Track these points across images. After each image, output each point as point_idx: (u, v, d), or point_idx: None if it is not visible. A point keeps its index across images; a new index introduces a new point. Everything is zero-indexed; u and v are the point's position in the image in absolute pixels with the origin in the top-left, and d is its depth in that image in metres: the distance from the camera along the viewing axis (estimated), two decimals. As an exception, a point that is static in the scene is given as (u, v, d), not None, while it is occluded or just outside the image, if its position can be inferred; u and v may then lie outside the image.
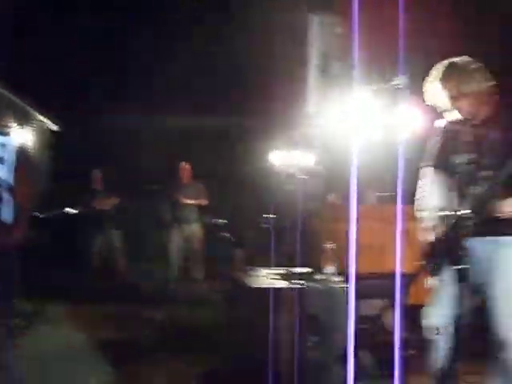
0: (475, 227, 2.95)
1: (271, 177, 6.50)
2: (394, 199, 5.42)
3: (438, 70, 3.31)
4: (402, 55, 3.51)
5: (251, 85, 8.76)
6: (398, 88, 3.15)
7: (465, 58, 3.31)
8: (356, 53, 3.82)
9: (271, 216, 6.74)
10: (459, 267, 1.46)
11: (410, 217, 5.67)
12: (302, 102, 3.86)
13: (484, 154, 3.13)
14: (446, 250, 3.05)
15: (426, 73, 3.46)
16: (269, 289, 4.17)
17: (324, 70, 3.87)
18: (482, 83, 3.23)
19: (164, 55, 9.83)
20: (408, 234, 5.77)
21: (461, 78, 3.22)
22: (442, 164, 3.44)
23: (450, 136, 3.40)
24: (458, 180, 3.30)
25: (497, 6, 5.76)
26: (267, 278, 4.57)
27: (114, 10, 9.51)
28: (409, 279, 5.65)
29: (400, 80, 3.12)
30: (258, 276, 4.67)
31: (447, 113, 3.34)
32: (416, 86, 3.37)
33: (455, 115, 3.31)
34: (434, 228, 3.31)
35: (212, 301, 7.07)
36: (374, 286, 4.42)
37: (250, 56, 8.60)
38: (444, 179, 3.42)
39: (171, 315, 6.87)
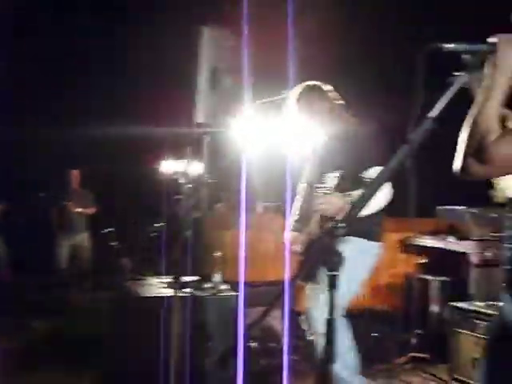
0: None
1: (161, 186, 6.53)
2: (280, 209, 5.60)
3: (295, 93, 3.66)
4: (292, 69, 3.68)
5: (141, 96, 8.75)
6: (288, 99, 3.40)
7: (317, 82, 3.70)
8: (246, 66, 3.94)
9: (160, 225, 6.75)
10: (330, 273, 1.57)
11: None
12: (193, 114, 3.92)
13: (345, 167, 3.48)
14: (319, 257, 3.27)
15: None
16: (157, 297, 4.20)
17: (215, 82, 3.96)
18: (332, 103, 3.65)
19: (50, 67, 9.59)
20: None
21: (314, 99, 3.63)
22: (313, 179, 3.70)
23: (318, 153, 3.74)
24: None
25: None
26: (156, 286, 4.58)
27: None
28: (294, 286, 5.85)
29: (292, 91, 3.33)
30: (146, 285, 4.68)
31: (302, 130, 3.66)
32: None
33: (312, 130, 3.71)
34: (302, 237, 3.60)
35: (98, 310, 6.96)
36: (263, 293, 4.56)
37: (140, 68, 8.60)
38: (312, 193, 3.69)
39: (54, 325, 6.69)
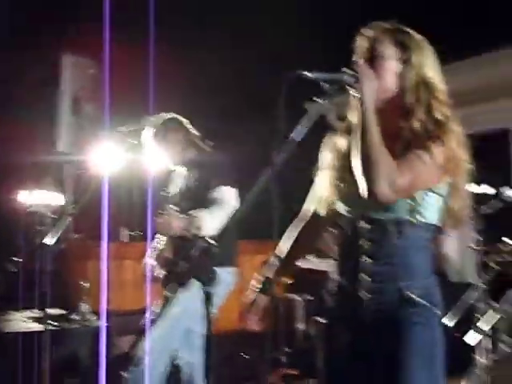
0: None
1: (20, 217, 6.26)
2: (143, 237, 5.57)
3: (151, 123, 3.78)
4: (153, 97, 3.72)
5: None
6: (147, 128, 3.47)
7: (173, 114, 3.85)
8: (108, 94, 3.93)
9: (18, 259, 6.47)
10: (205, 288, 1.61)
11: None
12: (54, 143, 3.85)
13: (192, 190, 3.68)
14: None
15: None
16: (21, 333, 4.04)
17: (76, 110, 3.92)
18: (188, 133, 3.81)
19: None
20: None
21: (170, 129, 3.78)
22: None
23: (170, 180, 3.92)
24: None
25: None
26: (20, 321, 4.40)
27: None
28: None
29: (150, 121, 3.39)
30: (10, 320, 4.48)
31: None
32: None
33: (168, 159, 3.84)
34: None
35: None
36: (130, 321, 4.50)
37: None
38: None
39: None
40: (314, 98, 1.79)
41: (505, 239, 3.89)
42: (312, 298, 5.68)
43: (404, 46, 1.96)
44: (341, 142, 2.10)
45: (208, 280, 1.74)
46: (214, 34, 5.90)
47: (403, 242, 1.93)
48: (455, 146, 1.88)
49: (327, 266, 5.48)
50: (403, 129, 1.92)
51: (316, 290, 5.62)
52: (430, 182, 1.88)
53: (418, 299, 1.91)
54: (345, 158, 2.01)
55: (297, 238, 2.24)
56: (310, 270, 5.68)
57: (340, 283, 2.08)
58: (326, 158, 2.13)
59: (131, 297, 5.41)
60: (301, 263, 5.76)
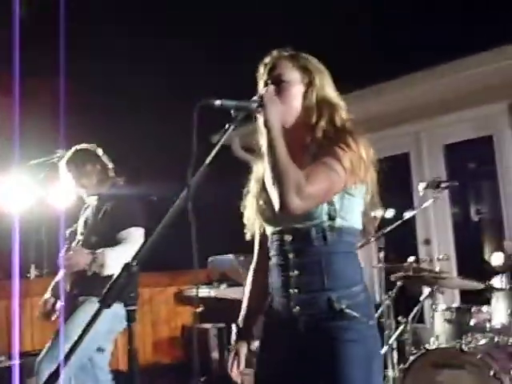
0: None
1: None
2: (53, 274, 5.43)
3: (67, 155, 3.75)
4: (64, 131, 3.71)
5: None
6: (59, 161, 3.44)
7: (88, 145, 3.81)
8: (17, 128, 3.89)
9: None
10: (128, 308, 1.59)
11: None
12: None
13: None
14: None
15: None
16: None
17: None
18: (102, 165, 3.80)
19: None
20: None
21: (80, 162, 3.72)
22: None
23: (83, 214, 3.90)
24: None
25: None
26: None
27: None
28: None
29: (61, 153, 3.37)
30: None
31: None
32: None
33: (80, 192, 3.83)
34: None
35: None
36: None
37: None
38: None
39: None
40: (225, 125, 1.88)
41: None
42: (224, 326, 5.74)
43: (306, 70, 2.08)
44: (257, 167, 2.21)
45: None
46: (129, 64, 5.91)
47: (327, 248, 1.96)
48: (361, 151, 1.95)
49: (236, 293, 5.57)
50: (309, 142, 2.01)
51: (228, 317, 5.69)
52: (339, 185, 1.91)
53: (348, 311, 1.92)
54: (261, 181, 2.11)
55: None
56: (219, 299, 5.75)
57: (272, 300, 2.12)
58: (250, 185, 2.23)
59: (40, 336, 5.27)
60: (210, 292, 5.84)
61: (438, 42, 5.31)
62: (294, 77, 2.07)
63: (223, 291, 5.79)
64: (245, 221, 2.20)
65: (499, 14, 4.89)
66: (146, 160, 5.18)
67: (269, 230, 2.12)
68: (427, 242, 6.04)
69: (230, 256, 6.01)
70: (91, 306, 3.42)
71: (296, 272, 1.99)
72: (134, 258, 1.59)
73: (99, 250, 3.42)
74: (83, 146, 3.78)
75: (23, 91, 3.55)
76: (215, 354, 5.61)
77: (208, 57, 5.91)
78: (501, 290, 3.62)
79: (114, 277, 1.56)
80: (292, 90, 2.06)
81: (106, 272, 3.40)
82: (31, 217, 5.93)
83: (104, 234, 3.55)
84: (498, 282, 3.67)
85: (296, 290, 1.99)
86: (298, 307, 1.99)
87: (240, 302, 5.52)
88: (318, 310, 1.95)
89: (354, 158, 1.92)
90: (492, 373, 3.17)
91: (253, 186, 2.20)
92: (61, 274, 3.72)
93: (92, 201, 3.78)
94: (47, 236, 6.16)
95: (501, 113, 5.64)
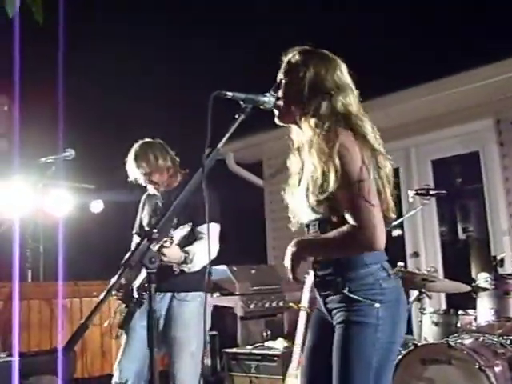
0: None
1: None
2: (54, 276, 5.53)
3: (132, 151, 3.61)
4: (63, 131, 3.82)
5: None
6: (66, 160, 3.45)
7: (154, 140, 3.68)
8: (18, 129, 4.01)
9: None
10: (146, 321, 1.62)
11: (71, 293, 5.89)
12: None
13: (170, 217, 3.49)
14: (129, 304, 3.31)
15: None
16: None
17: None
18: (168, 160, 3.63)
19: None
20: (69, 310, 5.96)
21: (152, 156, 3.56)
22: (139, 228, 3.77)
23: (149, 205, 3.75)
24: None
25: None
26: None
27: None
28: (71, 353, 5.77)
29: (68, 153, 3.42)
30: None
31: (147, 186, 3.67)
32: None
33: (151, 188, 3.66)
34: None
35: None
36: (43, 362, 4.48)
37: None
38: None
39: None
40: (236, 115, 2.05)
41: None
42: (216, 333, 5.84)
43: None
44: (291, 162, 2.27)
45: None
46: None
47: None
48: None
49: (228, 301, 5.67)
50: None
51: (221, 325, 5.79)
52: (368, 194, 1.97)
53: (351, 295, 2.00)
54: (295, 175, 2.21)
55: None
56: (214, 307, 5.84)
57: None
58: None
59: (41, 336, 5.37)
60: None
61: (427, 60, 5.52)
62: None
63: (216, 299, 5.89)
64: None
65: (487, 32, 5.10)
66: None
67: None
68: (416, 254, 6.20)
69: (223, 267, 6.12)
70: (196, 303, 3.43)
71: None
72: (154, 226, 1.74)
73: (187, 248, 3.33)
74: (148, 139, 3.65)
75: (22, 93, 3.68)
76: (208, 361, 5.70)
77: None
78: (485, 289, 3.78)
79: (137, 243, 1.70)
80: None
81: (194, 270, 3.36)
82: (29, 223, 6.05)
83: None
84: (483, 281, 3.83)
85: (315, 273, 2.15)
86: (319, 292, 2.16)
87: (232, 310, 5.65)
88: (332, 293, 2.08)
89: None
90: (477, 366, 3.32)
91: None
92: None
93: (163, 197, 3.62)
94: (44, 243, 6.27)
95: (487, 129, 5.85)
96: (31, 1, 2.82)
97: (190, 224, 3.25)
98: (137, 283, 3.31)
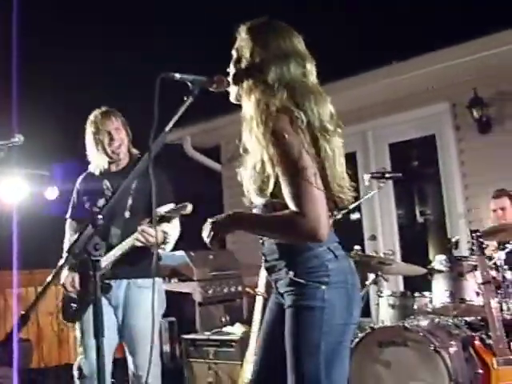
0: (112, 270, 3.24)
1: None
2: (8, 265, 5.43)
3: (112, 114, 3.46)
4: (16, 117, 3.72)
5: None
6: (14, 145, 3.34)
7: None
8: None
9: None
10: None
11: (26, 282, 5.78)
12: None
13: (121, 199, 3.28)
14: (81, 296, 3.29)
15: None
16: None
17: None
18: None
19: None
20: (24, 299, 5.85)
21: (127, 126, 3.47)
22: (78, 212, 3.57)
23: (89, 186, 3.53)
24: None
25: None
26: None
27: None
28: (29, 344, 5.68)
29: (16, 138, 3.31)
30: None
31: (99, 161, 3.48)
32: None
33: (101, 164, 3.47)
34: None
35: None
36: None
37: None
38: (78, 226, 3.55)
39: None
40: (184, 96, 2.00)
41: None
42: (174, 320, 5.80)
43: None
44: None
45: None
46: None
47: None
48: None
49: (187, 287, 5.65)
50: None
51: (179, 311, 5.76)
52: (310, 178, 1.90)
53: (296, 279, 1.97)
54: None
55: None
56: (170, 293, 5.79)
57: None
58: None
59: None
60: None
61: (383, 43, 5.54)
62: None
63: (174, 285, 5.85)
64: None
65: (443, 16, 5.14)
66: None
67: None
68: (373, 237, 6.23)
69: (181, 252, 6.08)
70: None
71: (261, 240, 2.14)
72: (99, 212, 1.68)
73: (161, 228, 3.20)
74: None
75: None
76: (167, 347, 5.66)
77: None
78: (441, 271, 3.81)
79: (81, 230, 1.65)
80: None
81: (168, 249, 3.34)
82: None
83: (150, 211, 3.00)
84: (438, 264, 3.87)
85: (264, 257, 2.13)
86: (269, 276, 2.14)
87: (190, 296, 5.60)
88: (278, 276, 2.07)
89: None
90: (432, 348, 3.35)
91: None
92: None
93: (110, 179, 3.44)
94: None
95: (443, 112, 5.91)
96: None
97: (174, 204, 3.19)
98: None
